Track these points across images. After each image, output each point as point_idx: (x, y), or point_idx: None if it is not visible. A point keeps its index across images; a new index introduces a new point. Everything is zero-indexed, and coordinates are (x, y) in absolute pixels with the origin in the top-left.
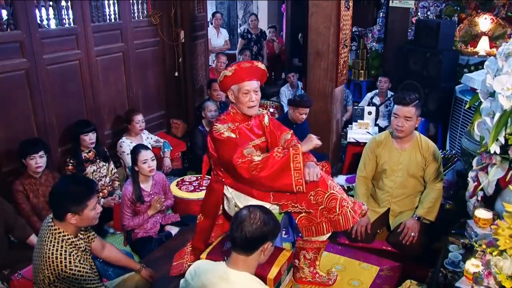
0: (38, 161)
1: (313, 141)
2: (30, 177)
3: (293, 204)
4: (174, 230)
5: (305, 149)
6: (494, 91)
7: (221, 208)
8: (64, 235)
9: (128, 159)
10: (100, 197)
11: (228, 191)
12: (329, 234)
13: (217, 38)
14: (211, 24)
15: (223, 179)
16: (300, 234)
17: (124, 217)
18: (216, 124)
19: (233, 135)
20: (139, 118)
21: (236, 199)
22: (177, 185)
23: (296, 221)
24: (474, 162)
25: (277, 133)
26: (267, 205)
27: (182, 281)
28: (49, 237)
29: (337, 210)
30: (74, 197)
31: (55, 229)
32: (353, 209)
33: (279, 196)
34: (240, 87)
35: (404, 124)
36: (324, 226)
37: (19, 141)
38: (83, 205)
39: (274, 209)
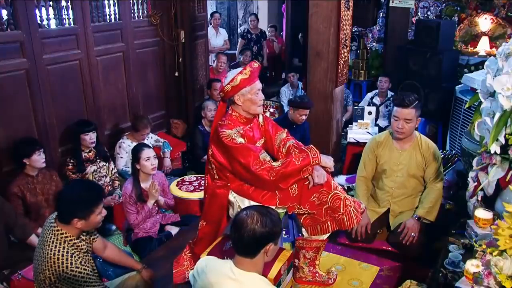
0: (43, 156)
1: (331, 161)
2: (27, 177)
3: (298, 206)
4: (174, 230)
5: (322, 160)
6: (494, 91)
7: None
8: (66, 237)
9: (120, 162)
10: None
11: (232, 195)
12: (330, 233)
13: (216, 38)
14: (210, 24)
15: (229, 183)
16: (300, 234)
17: (130, 215)
18: (224, 130)
19: (243, 140)
20: (146, 131)
21: (240, 203)
22: (177, 185)
23: (301, 220)
24: (474, 162)
25: (272, 132)
26: None
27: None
28: (51, 238)
29: (341, 209)
30: (81, 204)
31: (57, 230)
32: (355, 208)
33: (285, 200)
34: (252, 87)
35: (405, 126)
36: (329, 224)
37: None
38: (90, 211)
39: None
